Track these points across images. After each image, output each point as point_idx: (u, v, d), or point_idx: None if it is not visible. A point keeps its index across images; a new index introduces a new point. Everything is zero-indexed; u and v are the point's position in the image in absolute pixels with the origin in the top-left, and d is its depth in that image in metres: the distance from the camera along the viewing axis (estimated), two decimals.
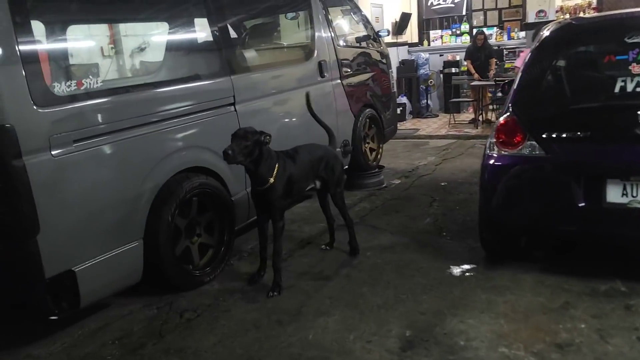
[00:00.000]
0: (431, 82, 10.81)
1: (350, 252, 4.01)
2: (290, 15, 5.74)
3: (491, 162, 3.42)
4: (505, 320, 2.91)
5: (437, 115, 10.63)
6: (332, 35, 5.45)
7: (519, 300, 3.12)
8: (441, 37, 11.64)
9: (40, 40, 3.23)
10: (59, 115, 2.80)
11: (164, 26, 4.51)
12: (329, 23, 5.46)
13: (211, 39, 4.02)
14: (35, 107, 2.68)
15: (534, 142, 3.27)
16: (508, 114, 3.42)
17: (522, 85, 3.52)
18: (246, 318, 3.18)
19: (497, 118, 3.82)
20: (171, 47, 4.47)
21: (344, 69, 5.58)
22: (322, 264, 3.90)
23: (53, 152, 2.76)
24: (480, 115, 9.18)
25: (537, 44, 3.65)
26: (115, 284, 3.20)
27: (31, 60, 2.69)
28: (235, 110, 4.04)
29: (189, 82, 3.80)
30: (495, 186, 3.43)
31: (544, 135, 3.25)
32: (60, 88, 2.91)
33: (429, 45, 11.63)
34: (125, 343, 2.98)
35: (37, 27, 3.85)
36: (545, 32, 3.72)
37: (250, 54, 4.78)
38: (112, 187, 3.10)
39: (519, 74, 3.61)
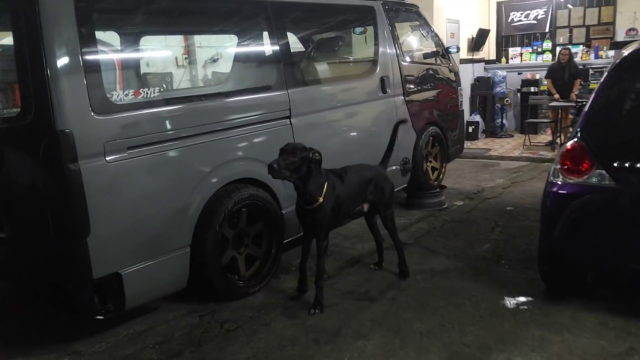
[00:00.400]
0: (507, 100, 10.35)
1: (400, 275, 3.89)
2: (355, 30, 5.72)
3: (554, 190, 3.18)
4: None
5: (512, 136, 10.15)
6: (397, 51, 5.36)
7: (577, 341, 2.85)
8: (521, 54, 11.13)
9: (103, 50, 3.41)
10: (114, 122, 2.93)
11: (223, 40, 4.64)
12: (395, 39, 5.37)
13: (270, 52, 4.08)
14: (93, 114, 2.81)
15: (603, 171, 3.01)
16: (576, 139, 3.16)
17: (595, 108, 3.25)
18: (284, 334, 3.15)
19: None
20: (226, 61, 4.59)
21: (408, 86, 5.46)
22: (369, 284, 3.79)
23: (107, 158, 2.88)
24: (559, 138, 8.64)
25: (615, 64, 3.37)
26: (160, 289, 3.28)
27: (92, 69, 2.84)
28: (291, 124, 4.06)
29: (244, 95, 3.85)
30: (557, 216, 3.18)
31: (615, 164, 2.97)
32: (118, 96, 3.04)
33: (507, 62, 11.17)
34: (165, 349, 3.03)
35: (112, 37, 4.13)
36: (625, 52, 3.43)
37: (309, 68, 4.80)
38: (162, 195, 3.18)
39: (592, 97, 3.34)
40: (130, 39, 4.33)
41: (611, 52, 9.94)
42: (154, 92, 3.31)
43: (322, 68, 4.98)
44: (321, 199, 3.31)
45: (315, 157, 3.25)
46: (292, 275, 4.01)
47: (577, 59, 9.75)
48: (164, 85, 4.86)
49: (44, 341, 3.20)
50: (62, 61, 2.70)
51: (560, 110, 8.60)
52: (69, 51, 2.73)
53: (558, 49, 9.73)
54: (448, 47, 6.41)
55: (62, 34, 2.71)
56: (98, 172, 2.85)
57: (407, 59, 5.56)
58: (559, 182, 3.17)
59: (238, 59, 4.81)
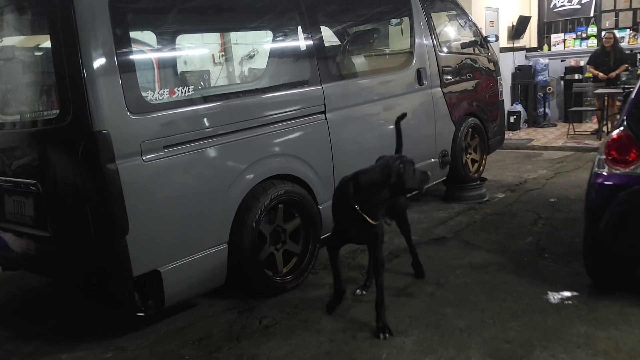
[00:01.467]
0: (550, 89, 10.00)
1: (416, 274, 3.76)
2: (390, 22, 5.63)
3: (599, 181, 3.04)
4: (604, 359, 2.54)
5: (555, 125, 9.81)
6: (434, 42, 5.24)
7: (625, 338, 2.72)
8: (564, 41, 10.72)
9: (138, 50, 3.48)
10: (150, 122, 2.98)
11: (258, 36, 4.66)
12: (431, 29, 5.26)
13: (304, 47, 4.05)
14: (129, 114, 2.87)
15: None
16: (622, 127, 3.01)
17: None
18: (322, 330, 3.13)
19: None
20: (262, 57, 4.60)
21: (446, 77, 5.34)
22: (407, 279, 3.73)
23: (144, 157, 2.93)
24: (605, 126, 8.29)
25: None
26: (199, 286, 3.32)
27: (128, 69, 2.89)
28: (326, 119, 4.03)
29: (279, 91, 3.85)
30: (602, 209, 3.04)
31: None
32: (154, 96, 3.09)
33: (549, 50, 10.78)
34: (204, 345, 3.07)
35: (148, 36, 4.20)
36: None
37: (344, 62, 4.76)
38: (199, 192, 3.22)
39: (639, 83, 3.17)
40: (166, 38, 4.40)
41: None
42: (189, 91, 3.35)
43: (357, 61, 4.92)
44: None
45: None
46: (330, 271, 3.98)
47: (624, 44, 9.32)
48: (202, 83, 4.92)
49: (89, 337, 3.29)
50: (98, 63, 2.76)
51: (606, 97, 8.24)
52: (105, 52, 2.79)
53: (603, 33, 9.32)
54: (487, 36, 6.23)
55: (98, 36, 2.77)
56: (135, 172, 2.90)
57: (444, 49, 5.43)
58: (605, 173, 3.03)
59: (273, 55, 4.82)
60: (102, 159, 2.77)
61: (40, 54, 4.03)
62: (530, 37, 10.89)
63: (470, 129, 5.70)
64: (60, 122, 2.91)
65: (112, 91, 2.82)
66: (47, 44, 3.04)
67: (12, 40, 3.91)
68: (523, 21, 10.24)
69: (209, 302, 3.58)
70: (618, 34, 9.30)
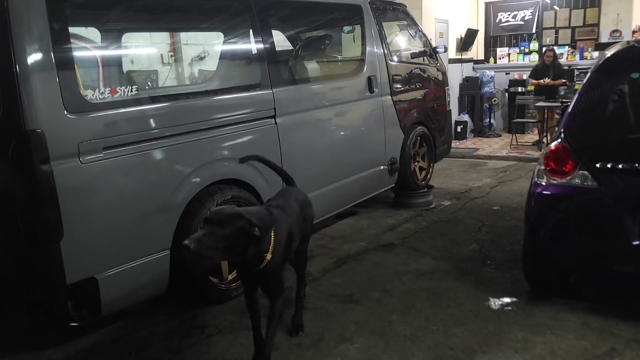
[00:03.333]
0: (495, 100, 10.36)
1: (292, 330, 3.07)
2: (342, 29, 5.67)
3: (538, 190, 3.15)
4: None
5: (500, 135, 10.16)
6: (385, 50, 5.31)
7: (560, 342, 2.82)
8: (508, 55, 11.15)
9: (77, 47, 3.32)
10: (89, 122, 2.84)
11: (209, 37, 4.57)
12: (382, 38, 5.32)
13: (255, 50, 4.00)
14: (66, 113, 2.72)
15: (586, 172, 2.98)
16: (559, 140, 3.14)
17: (578, 109, 3.24)
18: None
19: None
20: (212, 59, 4.52)
21: (396, 85, 5.42)
22: (355, 285, 3.73)
23: (82, 159, 2.79)
24: (545, 138, 8.65)
25: (598, 65, 3.35)
26: (139, 294, 3.18)
27: (66, 66, 2.75)
28: (276, 123, 3.99)
29: (229, 93, 3.78)
30: (541, 217, 3.15)
31: (597, 165, 2.94)
32: (94, 95, 2.95)
33: (495, 62, 11.18)
34: (142, 355, 2.95)
35: (92, 33, 4.03)
36: (608, 54, 3.41)
37: (295, 67, 4.74)
38: (141, 197, 3.10)
39: (575, 98, 3.31)
40: (111, 35, 4.23)
41: (596, 53, 9.98)
42: (132, 90, 3.22)
43: (308, 67, 4.92)
44: (269, 255, 2.48)
45: (255, 233, 2.32)
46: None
47: (562, 60, 9.79)
48: (149, 83, 4.76)
49: (17, 348, 3.11)
50: (33, 58, 2.60)
51: (546, 110, 8.61)
52: (40, 47, 2.64)
53: (544, 49, 9.75)
54: (436, 47, 6.37)
55: (33, 30, 2.61)
56: (72, 174, 2.75)
57: (395, 58, 5.51)
58: (543, 183, 3.14)
59: (224, 57, 4.73)
60: (35, 159, 2.60)
61: None
62: (477, 50, 11.27)
63: (418, 137, 5.80)
64: None
65: (48, 88, 2.66)
66: None
67: None
68: (471, 34, 10.57)
69: (147, 311, 3.45)
70: (558, 50, 9.76)
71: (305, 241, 3.14)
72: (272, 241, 2.50)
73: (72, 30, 2.90)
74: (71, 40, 2.86)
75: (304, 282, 3.28)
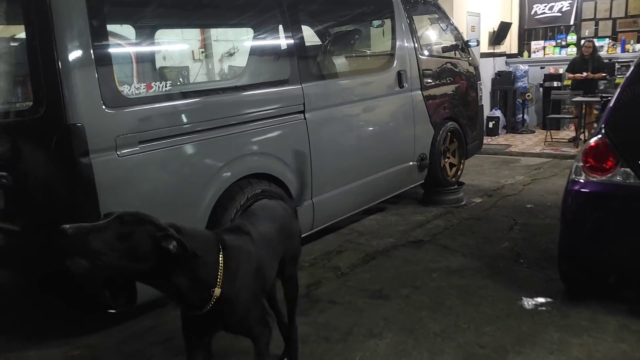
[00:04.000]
0: (529, 95, 10.15)
1: None
2: (372, 24, 5.63)
3: (576, 188, 3.07)
4: None
5: (534, 132, 9.95)
6: (415, 44, 5.26)
7: (598, 345, 2.75)
8: (544, 48, 10.90)
9: (115, 44, 3.40)
10: (126, 116, 2.91)
11: (239, 33, 4.61)
12: (413, 32, 5.27)
13: (284, 46, 4.02)
14: (104, 108, 2.80)
15: (628, 169, 2.89)
16: (600, 135, 3.05)
17: (620, 104, 3.13)
18: None
19: None
20: (242, 55, 4.56)
21: (426, 80, 5.36)
22: (383, 281, 3.72)
23: (119, 152, 2.86)
24: (582, 134, 8.43)
25: None
26: None
27: (104, 62, 2.82)
28: (305, 118, 4.00)
29: (258, 89, 3.81)
30: (578, 215, 3.08)
31: None
32: (130, 90, 3.02)
33: (529, 56, 10.94)
34: (173, 345, 3.01)
35: (127, 30, 4.12)
36: None
37: (325, 62, 4.74)
38: (174, 190, 3.16)
39: (617, 92, 3.21)
40: (145, 32, 4.32)
41: (638, 46, 9.67)
42: (167, 86, 3.28)
43: (337, 62, 4.91)
44: (217, 290, 1.89)
45: (167, 247, 1.71)
46: (305, 272, 3.96)
47: (602, 53, 9.50)
48: (180, 79, 4.84)
49: (57, 335, 3.21)
50: (74, 54, 2.68)
51: (584, 106, 8.38)
52: (81, 44, 2.71)
53: (582, 42, 9.49)
54: (468, 41, 6.29)
55: (74, 27, 2.69)
56: (109, 166, 2.82)
57: (425, 52, 5.46)
58: (581, 180, 3.06)
59: (253, 53, 4.77)
60: (76, 152, 2.68)
61: (15, 44, 3.91)
62: (510, 44, 11.04)
63: (449, 133, 5.73)
64: (33, 114, 2.82)
65: (88, 84, 2.74)
66: (22, 34, 2.95)
67: None
68: (504, 27, 10.36)
69: None
70: (597, 42, 9.47)
71: (294, 263, 2.60)
72: (220, 271, 1.91)
73: (109, 27, 2.97)
74: (109, 37, 2.93)
75: (294, 314, 2.65)
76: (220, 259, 1.94)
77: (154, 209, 3.00)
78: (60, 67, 2.64)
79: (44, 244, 3.01)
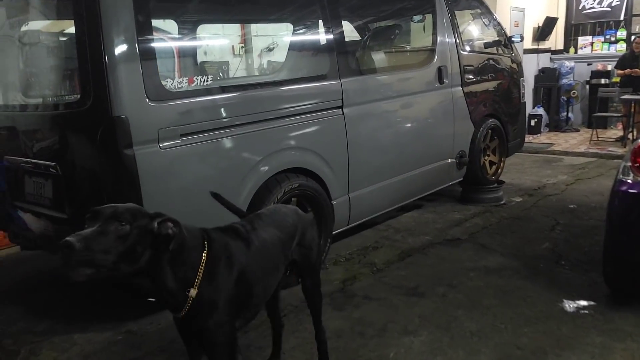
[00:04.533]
0: (574, 93, 9.82)
1: None
2: (413, 19, 5.57)
3: (623, 188, 2.97)
4: None
5: (578, 130, 9.64)
6: (457, 40, 5.17)
7: None
8: (591, 44, 10.52)
9: (159, 38, 3.48)
10: (168, 109, 2.97)
11: (278, 28, 4.64)
12: (454, 27, 5.19)
13: (324, 41, 4.03)
14: (148, 101, 2.87)
15: None
16: None
17: None
18: (330, 325, 3.10)
19: None
20: (281, 50, 4.59)
21: (467, 76, 5.27)
22: (419, 278, 3.69)
23: (161, 145, 2.93)
24: (631, 133, 8.12)
25: None
26: None
27: (148, 57, 2.89)
28: (343, 114, 4.00)
29: (297, 84, 3.83)
30: (625, 217, 2.98)
31: None
32: (173, 84, 3.09)
33: (575, 52, 10.59)
34: None
35: (170, 25, 4.22)
36: None
37: (364, 57, 4.72)
38: (214, 182, 3.20)
39: None
40: (187, 27, 4.41)
41: None
42: (207, 80, 3.34)
43: (377, 57, 4.88)
44: (193, 291, 1.80)
45: (166, 232, 1.72)
46: (341, 267, 3.98)
47: None
48: (220, 74, 4.92)
49: (101, 319, 3.33)
50: (120, 49, 2.76)
51: (633, 104, 8.06)
52: (126, 39, 2.79)
53: (633, 37, 9.11)
54: (511, 36, 6.13)
55: (120, 22, 2.77)
56: (152, 158, 2.90)
57: (467, 48, 5.36)
58: (629, 181, 2.95)
59: (293, 48, 4.80)
60: (120, 144, 2.77)
61: (64, 39, 4.06)
62: (556, 39, 10.70)
63: (489, 130, 5.62)
64: (80, 107, 2.93)
65: (132, 78, 2.82)
66: (71, 29, 3.06)
67: (38, 25, 3.95)
68: (549, 22, 10.06)
69: None
70: None
71: (312, 274, 2.46)
72: (200, 270, 1.80)
73: (153, 22, 3.04)
74: (153, 32, 3.00)
75: (320, 323, 2.54)
76: (203, 257, 1.83)
77: (193, 201, 3.11)
78: (106, 61, 2.73)
79: None
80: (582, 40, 10.61)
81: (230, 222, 2.22)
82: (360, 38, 5.08)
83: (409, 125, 4.71)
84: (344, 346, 2.88)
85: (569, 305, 3.18)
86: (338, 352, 2.82)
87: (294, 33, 4.69)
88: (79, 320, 3.33)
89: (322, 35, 4.03)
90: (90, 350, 2.99)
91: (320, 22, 4.02)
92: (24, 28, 3.77)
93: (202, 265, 1.83)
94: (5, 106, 3.77)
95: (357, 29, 5.12)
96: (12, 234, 3.98)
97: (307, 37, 4.41)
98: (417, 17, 5.58)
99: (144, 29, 2.88)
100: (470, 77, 5.31)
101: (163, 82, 3.01)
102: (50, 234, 3.51)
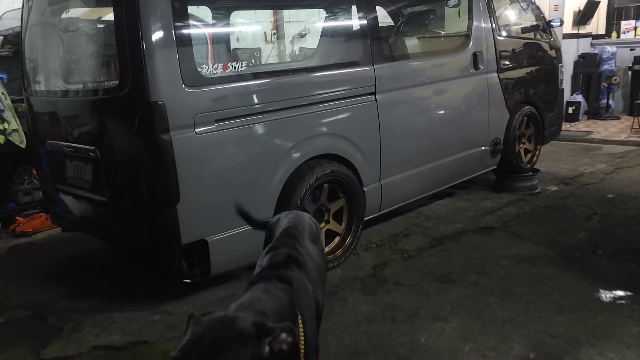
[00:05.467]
0: (615, 79, 9.48)
1: None
2: (448, 4, 5.47)
3: None
4: None
5: (619, 118, 9.32)
6: (493, 25, 5.06)
7: None
8: (635, 28, 10.11)
9: (194, 25, 3.52)
10: (204, 95, 3.03)
11: (311, 14, 4.64)
12: (491, 12, 5.07)
13: (357, 27, 4.01)
14: (184, 87, 2.93)
15: None
16: None
17: None
18: (361, 310, 3.14)
19: None
20: (313, 36, 4.59)
21: (503, 62, 5.16)
22: (450, 266, 3.67)
23: (197, 130, 2.99)
24: None
25: None
26: (244, 258, 3.35)
27: (184, 43, 2.95)
28: (376, 100, 3.98)
29: (329, 70, 3.84)
30: None
31: None
32: (208, 70, 3.13)
33: (618, 37, 10.20)
34: None
35: (204, 12, 4.27)
36: None
37: (398, 43, 4.67)
38: (247, 167, 3.27)
39: None
40: (221, 13, 4.46)
41: None
42: (241, 66, 3.38)
43: (410, 43, 4.83)
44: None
45: (280, 347, 1.31)
46: (372, 253, 4.00)
47: None
48: (253, 60, 4.96)
49: (138, 299, 3.44)
50: (157, 35, 2.82)
51: None
52: (163, 26, 2.85)
53: None
54: (550, 21, 5.96)
55: (157, 9, 2.83)
56: (188, 143, 2.97)
57: (503, 33, 5.24)
58: None
59: (325, 34, 4.79)
60: (157, 129, 2.84)
61: (103, 26, 4.17)
62: (597, 23, 10.32)
63: (525, 118, 5.50)
64: (119, 92, 3.01)
65: (169, 64, 2.88)
66: (110, 16, 3.14)
67: (77, 12, 4.06)
68: (591, 6, 9.71)
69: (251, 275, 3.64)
70: None
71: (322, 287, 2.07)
72: (302, 346, 1.52)
73: (189, 9, 3.09)
74: (189, 19, 3.05)
75: None
76: (300, 329, 1.52)
77: (228, 185, 3.17)
78: (144, 47, 2.80)
79: (128, 214, 3.24)
80: (625, 24, 10.19)
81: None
82: (393, 23, 5.03)
83: (443, 112, 4.66)
84: (375, 330, 2.90)
85: (605, 295, 3.12)
86: (369, 335, 2.85)
87: (326, 19, 4.68)
88: (119, 300, 3.46)
89: (355, 21, 4.02)
90: (130, 329, 3.10)
91: (354, 8, 4.00)
92: (64, 16, 3.89)
93: (302, 340, 1.51)
94: (47, 92, 3.90)
95: (391, 14, 5.07)
96: (54, 216, 4.16)
97: (340, 22, 4.39)
98: (452, 2, 5.47)
99: (180, 16, 2.93)
100: (507, 63, 5.20)
101: (199, 68, 3.06)
102: (89, 217, 3.65)
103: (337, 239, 3.83)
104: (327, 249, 3.74)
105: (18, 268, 4.21)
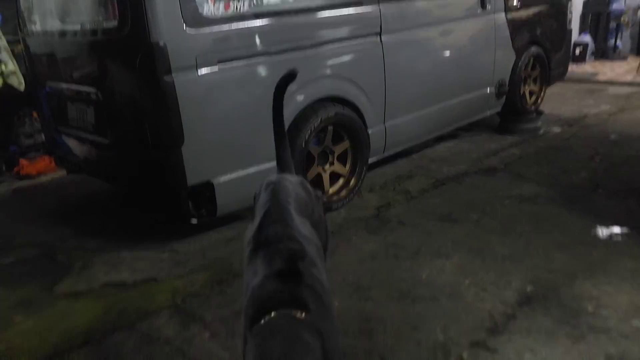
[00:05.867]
0: (624, 19, 9.25)
1: None
2: None
3: None
4: None
5: (626, 58, 9.15)
6: None
7: None
8: None
9: None
10: (206, 36, 2.99)
11: None
12: None
13: None
14: (185, 27, 2.88)
15: None
16: None
17: None
18: (365, 248, 3.23)
19: None
20: None
21: (510, 1, 5.03)
22: (453, 206, 3.73)
23: (199, 71, 2.97)
24: None
25: None
26: (249, 200, 3.43)
27: None
28: (381, 41, 3.91)
29: (333, 9, 3.74)
30: None
31: None
32: (209, 10, 3.07)
33: None
34: None
35: None
36: None
37: None
38: (250, 110, 3.25)
39: None
40: None
41: None
42: (243, 6, 3.30)
43: None
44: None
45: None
46: (376, 194, 4.05)
47: None
48: (255, 0, 4.81)
49: (146, 238, 3.53)
50: None
51: None
52: None
53: None
54: None
55: None
56: (190, 84, 2.95)
57: None
58: None
59: None
60: (159, 70, 2.82)
61: None
62: None
63: (531, 59, 5.42)
64: (119, 33, 2.97)
65: (170, 4, 2.82)
66: None
67: None
68: None
69: None
70: None
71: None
72: None
73: None
74: None
75: None
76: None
77: (232, 128, 3.17)
78: None
79: (133, 157, 3.27)
80: None
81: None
82: None
83: (448, 52, 4.59)
84: (378, 267, 2.99)
85: (603, 232, 3.19)
86: (373, 272, 2.94)
87: None
88: (127, 240, 3.54)
89: None
90: (139, 267, 3.20)
91: None
92: None
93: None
94: (44, 32, 3.83)
95: None
96: (57, 159, 4.19)
97: None
98: None
99: None
100: (514, 2, 5.06)
101: (200, 8, 3.00)
102: (93, 159, 3.68)
103: (341, 181, 3.87)
104: (331, 191, 3.80)
105: (24, 209, 4.29)
